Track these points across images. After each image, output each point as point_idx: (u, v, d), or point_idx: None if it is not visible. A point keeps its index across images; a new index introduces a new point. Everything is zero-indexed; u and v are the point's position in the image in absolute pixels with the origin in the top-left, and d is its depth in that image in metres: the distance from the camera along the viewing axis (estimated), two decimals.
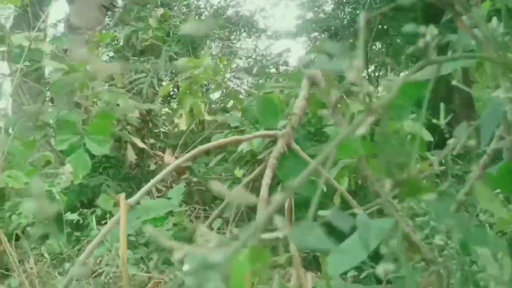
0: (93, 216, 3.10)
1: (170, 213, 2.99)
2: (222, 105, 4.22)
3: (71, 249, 2.85)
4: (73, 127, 3.28)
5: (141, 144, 3.77)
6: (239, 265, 0.98)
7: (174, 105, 5.02)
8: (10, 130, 3.39)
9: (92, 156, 3.39)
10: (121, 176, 3.78)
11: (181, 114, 2.65)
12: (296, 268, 0.89)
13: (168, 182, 3.75)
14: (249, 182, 3.24)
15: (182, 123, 2.69)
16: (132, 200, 0.95)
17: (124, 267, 0.85)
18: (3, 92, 3.75)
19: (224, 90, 3.16)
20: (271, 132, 1.31)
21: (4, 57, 3.19)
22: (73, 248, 2.88)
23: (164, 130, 4.11)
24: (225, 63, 2.93)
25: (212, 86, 3.09)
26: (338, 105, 1.26)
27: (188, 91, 2.59)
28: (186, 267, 1.15)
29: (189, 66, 2.55)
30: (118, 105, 3.55)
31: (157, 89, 3.91)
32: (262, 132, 1.43)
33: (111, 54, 4.54)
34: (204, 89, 3.77)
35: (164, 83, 4.85)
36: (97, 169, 3.65)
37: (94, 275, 2.68)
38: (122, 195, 0.93)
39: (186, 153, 3.73)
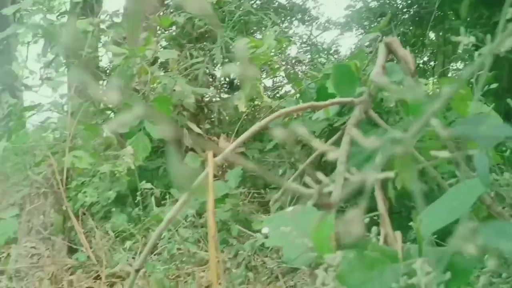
0: (153, 197, 3.18)
1: (227, 195, 3.03)
2: (275, 92, 4.23)
3: (133, 227, 2.94)
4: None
5: (197, 129, 3.83)
6: (324, 226, 0.98)
7: (224, 95, 5.07)
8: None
9: (150, 141, 3.48)
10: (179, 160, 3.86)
11: (240, 96, 2.67)
12: (384, 227, 0.87)
13: (223, 166, 3.80)
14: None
15: (242, 105, 2.71)
16: (218, 159, 0.96)
17: (211, 225, 0.87)
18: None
19: (282, 74, 3.15)
20: (348, 99, 1.30)
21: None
22: (135, 226, 2.97)
23: (218, 117, 4.16)
24: (287, 43, 2.92)
25: (268, 70, 3.09)
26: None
27: None
28: (265, 230, 1.16)
29: (249, 47, 2.56)
30: (174, 90, 3.62)
31: (212, 75, 3.97)
32: (340, 99, 1.42)
33: (164, 43, 4.62)
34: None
35: (216, 71, 4.90)
36: (155, 153, 3.75)
37: (154, 253, 2.76)
38: (210, 152, 0.95)
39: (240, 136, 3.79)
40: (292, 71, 3.35)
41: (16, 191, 6.14)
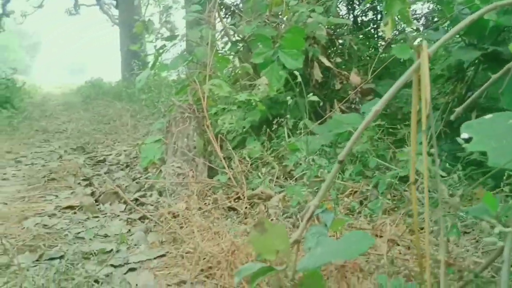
0: (285, 127, 3.22)
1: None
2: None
3: (268, 154, 3.01)
4: (267, 41, 3.38)
5: (327, 63, 3.75)
6: None
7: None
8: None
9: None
10: (307, 94, 3.84)
11: (387, 21, 2.51)
12: None
13: (354, 102, 3.71)
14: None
15: (388, 31, 2.56)
16: (431, 49, 0.90)
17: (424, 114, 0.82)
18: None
19: None
20: None
21: None
22: (271, 154, 3.04)
23: (349, 51, 4.02)
24: None
25: None
26: None
27: None
28: (464, 135, 1.07)
29: None
30: (305, 22, 3.54)
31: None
32: None
33: None
34: None
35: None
36: (285, 86, 3.76)
37: (293, 178, 2.81)
38: (424, 43, 0.88)
39: (374, 72, 3.65)
40: None
41: (148, 123, 6.61)
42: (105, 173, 3.91)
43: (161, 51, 3.57)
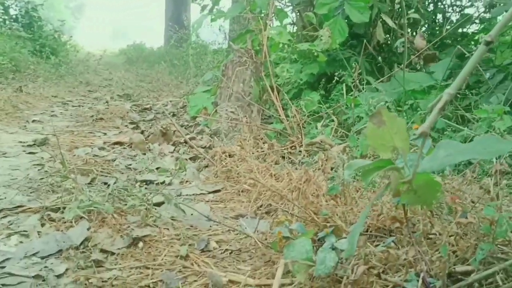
0: (343, 85, 3.07)
1: (433, 87, 2.78)
2: None
3: (327, 108, 2.87)
4: None
5: (391, 23, 3.55)
6: None
7: None
8: None
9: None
10: (367, 54, 3.66)
11: None
12: None
13: (416, 66, 3.51)
14: None
15: None
16: None
17: None
18: None
19: None
20: None
21: None
22: (329, 107, 2.90)
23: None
24: None
25: None
26: None
27: None
28: None
29: None
30: None
31: None
32: None
33: None
34: None
35: None
36: (345, 44, 3.58)
37: (354, 132, 2.66)
38: None
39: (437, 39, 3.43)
40: None
41: (191, 83, 6.53)
42: (151, 119, 3.85)
43: None
